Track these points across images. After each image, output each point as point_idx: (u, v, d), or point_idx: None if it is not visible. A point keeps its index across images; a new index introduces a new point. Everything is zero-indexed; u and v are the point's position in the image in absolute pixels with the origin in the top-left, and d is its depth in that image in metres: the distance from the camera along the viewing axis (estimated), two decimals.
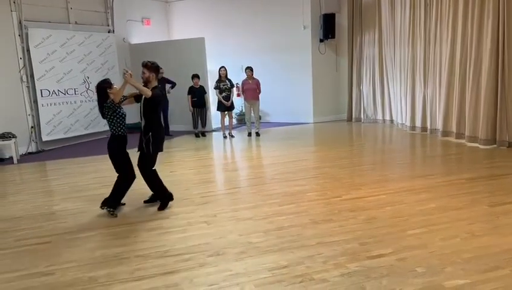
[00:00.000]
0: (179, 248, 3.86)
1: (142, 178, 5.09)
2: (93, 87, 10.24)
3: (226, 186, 5.93)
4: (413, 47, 9.37)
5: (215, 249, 3.81)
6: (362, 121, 11.40)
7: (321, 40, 11.27)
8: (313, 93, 11.50)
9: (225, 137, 9.90)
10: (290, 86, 11.57)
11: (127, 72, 4.69)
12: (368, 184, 5.59)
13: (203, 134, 10.30)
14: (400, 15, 9.83)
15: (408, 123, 9.69)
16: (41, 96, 9.16)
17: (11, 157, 8.28)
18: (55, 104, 9.45)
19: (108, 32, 10.87)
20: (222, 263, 3.53)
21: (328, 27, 11.04)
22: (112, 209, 4.84)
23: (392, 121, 10.76)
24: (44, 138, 9.27)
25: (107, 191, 5.09)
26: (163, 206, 5.00)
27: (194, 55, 10.70)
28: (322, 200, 5.05)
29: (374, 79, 11.08)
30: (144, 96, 4.79)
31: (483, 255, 3.42)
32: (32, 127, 9.18)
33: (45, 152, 9.16)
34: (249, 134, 9.97)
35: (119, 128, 4.82)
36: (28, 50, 9.03)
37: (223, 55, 11.40)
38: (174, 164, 7.49)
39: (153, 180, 5.04)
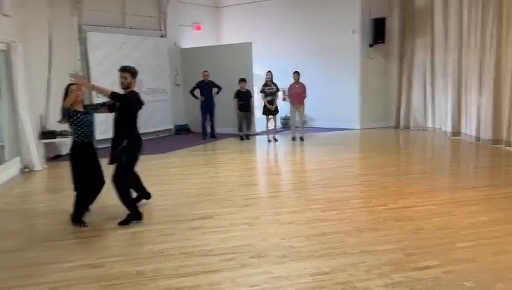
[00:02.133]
0: (222, 248, 3.94)
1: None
2: (145, 89, 10.67)
3: (269, 189, 5.97)
4: (468, 53, 8.99)
5: (257, 251, 3.85)
6: (411, 128, 11.06)
7: (370, 45, 11.07)
8: (360, 99, 11.31)
9: (269, 141, 9.95)
10: (337, 91, 11.45)
11: (74, 75, 4.64)
12: (416, 194, 5.43)
13: (248, 137, 10.40)
14: (453, 19, 9.48)
15: (460, 131, 9.30)
16: (97, 96, 9.62)
17: (67, 154, 8.75)
18: None
19: (161, 36, 11.26)
20: (264, 265, 3.57)
21: (377, 32, 10.84)
22: (78, 223, 4.64)
23: (442, 129, 10.36)
24: (97, 137, 9.70)
25: (155, 189, 5.28)
26: (126, 222, 4.62)
27: (241, 60, 10.84)
28: (367, 208, 4.96)
29: (425, 85, 10.73)
30: (116, 103, 4.57)
31: None
32: None
33: (98, 150, 9.59)
34: (293, 138, 9.96)
35: (76, 135, 4.60)
36: (86, 53, 9.54)
37: (270, 59, 11.46)
38: (219, 166, 7.62)
39: (125, 195, 4.70)
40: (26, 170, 7.57)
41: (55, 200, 5.67)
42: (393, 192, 5.53)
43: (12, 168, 7.38)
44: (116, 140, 4.67)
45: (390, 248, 3.81)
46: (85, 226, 4.62)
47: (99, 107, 4.93)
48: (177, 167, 7.65)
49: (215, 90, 10.50)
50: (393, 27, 11.16)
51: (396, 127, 11.39)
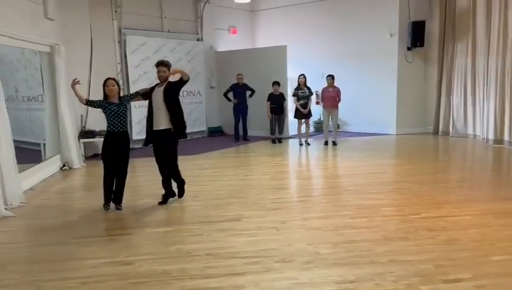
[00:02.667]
0: (248, 251, 3.95)
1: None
2: (181, 92, 10.85)
3: (299, 194, 5.93)
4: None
5: (283, 255, 3.83)
6: (450, 134, 10.67)
7: (409, 48, 10.80)
8: (397, 104, 11.04)
9: (301, 144, 9.89)
10: (373, 95, 11.24)
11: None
12: (451, 203, 5.24)
13: (280, 140, 10.39)
14: (496, 21, 9.09)
15: (503, 139, 8.89)
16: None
17: None
18: (145, 106, 10.11)
19: (197, 40, 11.46)
20: (288, 271, 3.55)
21: (416, 35, 10.56)
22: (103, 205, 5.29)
23: (483, 136, 9.94)
24: (135, 137, 10.00)
25: (187, 189, 5.38)
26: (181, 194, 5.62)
27: (275, 63, 10.84)
28: (398, 216, 4.83)
29: (466, 90, 10.34)
30: (164, 88, 5.23)
31: None
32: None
33: (135, 150, 9.88)
34: (326, 143, 9.85)
35: (108, 124, 5.16)
36: (125, 55, 9.85)
37: (305, 62, 11.42)
38: (250, 168, 7.65)
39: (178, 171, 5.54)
40: (66, 168, 7.90)
41: (91, 198, 5.88)
42: (428, 201, 5.35)
43: (53, 165, 7.72)
44: (175, 117, 5.32)
45: (420, 258, 3.69)
46: (106, 209, 5.20)
47: (134, 97, 5.40)
48: (209, 168, 7.74)
49: (248, 93, 10.55)
50: (432, 30, 10.84)
51: (435, 133, 11.03)
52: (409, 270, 3.48)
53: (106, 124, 5.17)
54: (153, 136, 5.30)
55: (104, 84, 5.18)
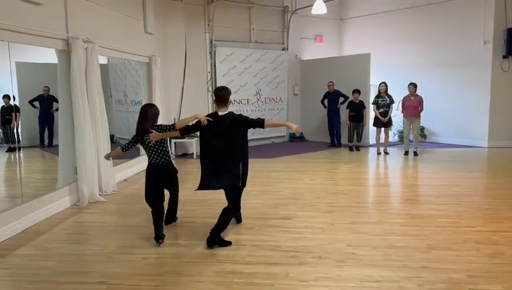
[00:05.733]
0: (289, 246, 4.30)
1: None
2: (263, 98, 11.52)
3: (357, 199, 6.04)
4: None
5: (320, 252, 4.11)
6: None
7: (504, 57, 10.05)
8: (490, 115, 10.32)
9: (379, 153, 9.80)
10: (463, 106, 10.65)
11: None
12: None
13: (358, 148, 10.39)
14: None
15: None
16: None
17: (192, 153, 10.04)
18: None
19: (283, 50, 11.99)
20: (320, 266, 3.82)
21: None
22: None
23: None
24: None
25: (253, 189, 5.85)
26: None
27: (359, 71, 10.89)
28: (451, 227, 4.75)
29: None
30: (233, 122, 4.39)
31: None
32: None
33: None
34: (406, 153, 9.62)
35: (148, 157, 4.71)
36: (215, 65, 10.76)
37: (390, 70, 11.27)
38: (317, 173, 7.87)
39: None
40: None
41: None
42: (489, 215, 5.13)
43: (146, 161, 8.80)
44: (237, 159, 4.42)
45: (456, 267, 3.69)
46: (158, 244, 4.42)
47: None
48: (279, 171, 8.17)
49: (341, 99, 10.67)
50: None
51: None
52: (439, 277, 3.52)
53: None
54: None
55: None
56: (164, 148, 4.63)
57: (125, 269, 3.85)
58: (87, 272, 3.81)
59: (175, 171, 4.82)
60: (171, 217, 5.10)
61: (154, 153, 4.60)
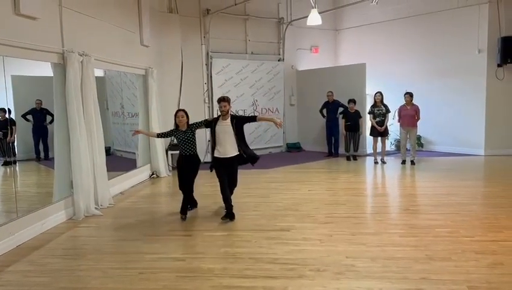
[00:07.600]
0: (287, 258, 4.25)
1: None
2: (260, 109, 11.52)
3: (355, 210, 6.02)
4: None
5: (318, 265, 4.07)
6: None
7: (499, 65, 10.12)
8: (486, 123, 10.35)
9: (376, 163, 9.80)
10: (458, 114, 10.70)
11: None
12: None
13: (355, 158, 10.38)
14: None
15: None
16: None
17: None
18: None
19: (278, 60, 12.03)
20: (318, 279, 3.78)
21: (507, 50, 9.86)
22: (181, 215, 5.82)
23: None
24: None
25: (250, 200, 5.85)
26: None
27: (354, 81, 10.93)
28: (450, 237, 4.72)
29: None
30: (231, 121, 5.78)
31: None
32: (209, 140, 10.83)
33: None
34: (403, 162, 9.62)
35: (179, 148, 5.93)
36: (211, 76, 10.78)
37: (386, 80, 11.32)
38: (315, 184, 7.85)
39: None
40: (154, 176, 8.92)
41: (169, 203, 6.65)
42: (488, 224, 5.12)
43: (143, 173, 8.78)
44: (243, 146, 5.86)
45: (455, 278, 3.66)
46: (183, 219, 5.72)
47: (199, 126, 5.96)
48: (277, 181, 8.13)
49: (341, 109, 10.66)
50: None
51: None
52: (438, 288, 3.49)
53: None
54: (219, 162, 5.77)
55: (175, 115, 5.88)
56: (192, 141, 5.85)
57: (121, 285, 3.80)
58: (82, 288, 3.76)
59: (199, 161, 6.01)
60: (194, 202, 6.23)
61: (185, 144, 5.81)
